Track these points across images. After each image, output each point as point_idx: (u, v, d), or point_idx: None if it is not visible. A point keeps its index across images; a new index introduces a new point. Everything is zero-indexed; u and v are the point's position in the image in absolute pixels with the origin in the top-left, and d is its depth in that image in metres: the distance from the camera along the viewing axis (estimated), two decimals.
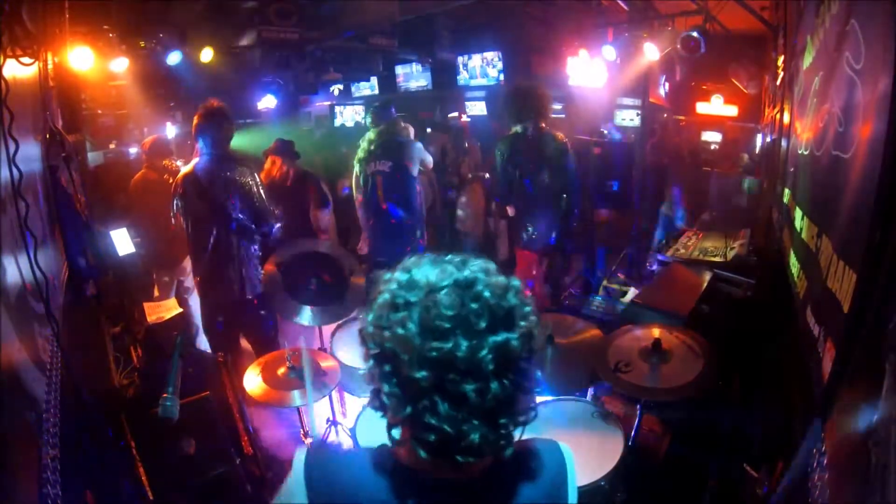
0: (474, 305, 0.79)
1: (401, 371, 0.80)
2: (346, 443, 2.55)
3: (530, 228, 4.00)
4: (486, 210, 5.83)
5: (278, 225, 3.42)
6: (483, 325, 0.78)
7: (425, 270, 0.84)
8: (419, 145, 4.34)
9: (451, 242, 5.69)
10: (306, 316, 2.88)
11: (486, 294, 0.81)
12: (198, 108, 3.32)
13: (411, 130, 4.51)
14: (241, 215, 3.27)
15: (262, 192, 3.37)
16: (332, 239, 4.87)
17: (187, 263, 4.14)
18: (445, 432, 0.79)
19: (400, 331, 0.80)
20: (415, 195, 4.29)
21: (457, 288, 0.81)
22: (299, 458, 0.93)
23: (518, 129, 3.88)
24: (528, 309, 0.85)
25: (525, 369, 0.83)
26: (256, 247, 3.42)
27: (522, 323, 0.83)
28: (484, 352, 0.77)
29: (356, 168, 4.31)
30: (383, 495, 0.88)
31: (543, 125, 3.86)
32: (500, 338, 0.79)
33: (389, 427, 0.88)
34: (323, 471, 0.92)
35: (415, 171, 4.24)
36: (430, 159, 4.47)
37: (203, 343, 3.63)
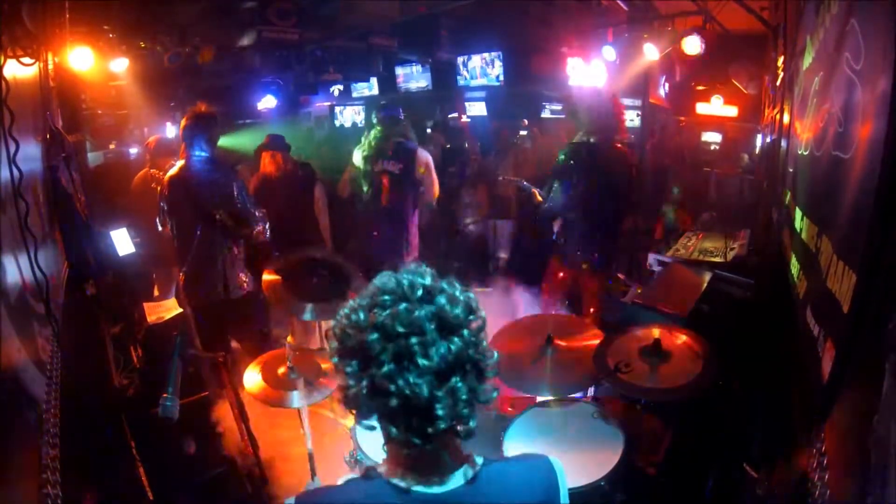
0: (406, 282, 0.95)
1: (356, 348, 0.92)
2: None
3: (577, 245, 3.69)
4: (488, 213, 5.85)
5: (261, 227, 3.43)
6: (419, 294, 0.93)
7: (381, 279, 0.98)
8: (430, 159, 4.27)
9: (449, 243, 5.68)
10: (309, 313, 2.85)
11: (419, 279, 0.96)
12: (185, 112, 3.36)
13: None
14: (224, 216, 3.28)
15: (245, 194, 3.39)
16: (327, 241, 4.86)
17: None
18: (404, 395, 0.88)
19: (353, 317, 0.94)
20: (410, 204, 4.22)
21: (395, 278, 0.97)
22: None
23: (585, 138, 3.61)
24: (457, 286, 0.99)
25: (470, 339, 0.94)
26: (238, 248, 3.44)
27: (456, 295, 0.97)
28: (420, 312, 0.90)
29: (360, 165, 4.22)
30: None
31: (613, 140, 3.59)
32: (433, 305, 0.93)
33: (358, 417, 0.96)
34: None
35: (417, 178, 4.20)
36: (436, 185, 4.30)
37: None
